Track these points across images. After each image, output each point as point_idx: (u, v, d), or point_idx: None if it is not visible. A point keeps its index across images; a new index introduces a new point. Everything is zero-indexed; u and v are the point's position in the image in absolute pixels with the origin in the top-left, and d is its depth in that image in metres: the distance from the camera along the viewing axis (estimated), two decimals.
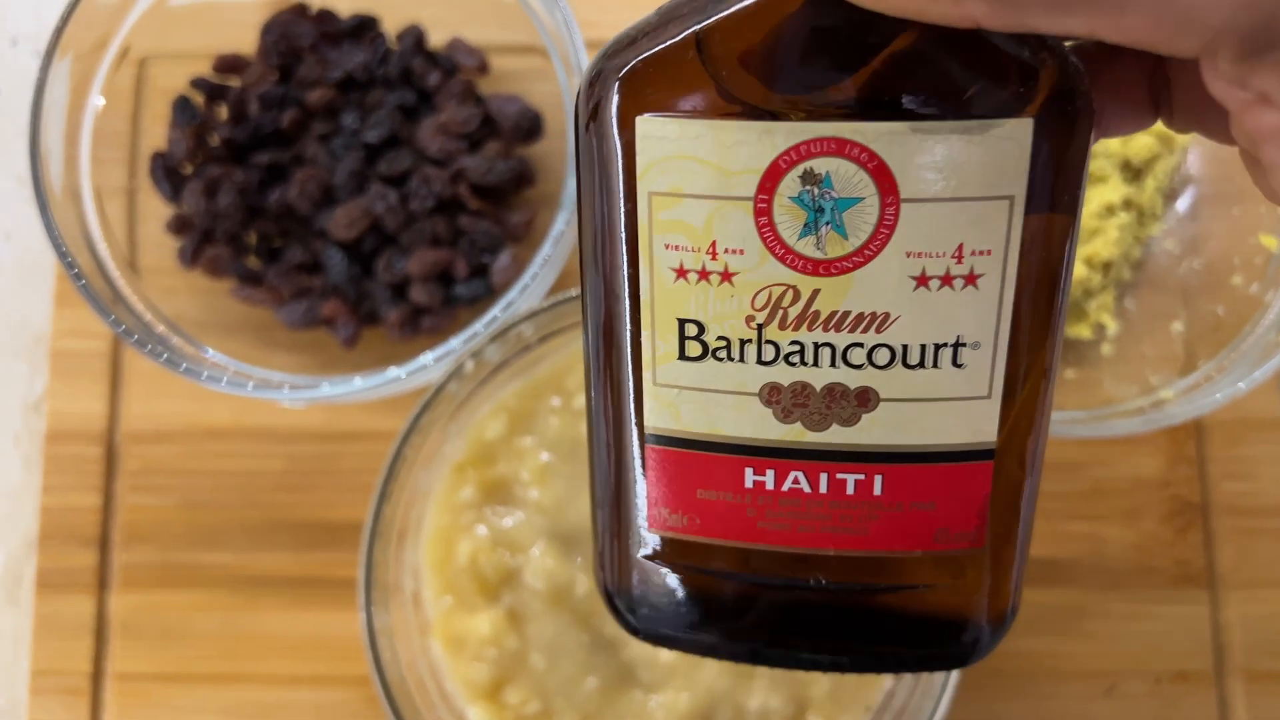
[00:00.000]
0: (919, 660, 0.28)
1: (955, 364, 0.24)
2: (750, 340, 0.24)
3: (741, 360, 0.25)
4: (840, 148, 0.22)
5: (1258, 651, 0.49)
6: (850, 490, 0.25)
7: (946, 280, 0.23)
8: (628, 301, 0.25)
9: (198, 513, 0.52)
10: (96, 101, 0.49)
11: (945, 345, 0.24)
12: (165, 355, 0.45)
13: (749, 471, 0.26)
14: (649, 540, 0.27)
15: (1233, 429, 0.51)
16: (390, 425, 0.51)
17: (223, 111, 0.52)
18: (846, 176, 0.23)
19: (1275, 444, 0.51)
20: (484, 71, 0.53)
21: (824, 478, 0.25)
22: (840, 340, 0.24)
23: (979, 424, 0.25)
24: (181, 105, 0.51)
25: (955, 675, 0.41)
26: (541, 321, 0.44)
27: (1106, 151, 0.49)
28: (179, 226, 0.51)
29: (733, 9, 0.23)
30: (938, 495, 0.25)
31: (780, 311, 0.24)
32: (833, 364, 0.24)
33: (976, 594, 0.27)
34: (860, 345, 0.24)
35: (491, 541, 0.44)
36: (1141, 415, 0.45)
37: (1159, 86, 0.25)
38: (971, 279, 0.23)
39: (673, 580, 0.28)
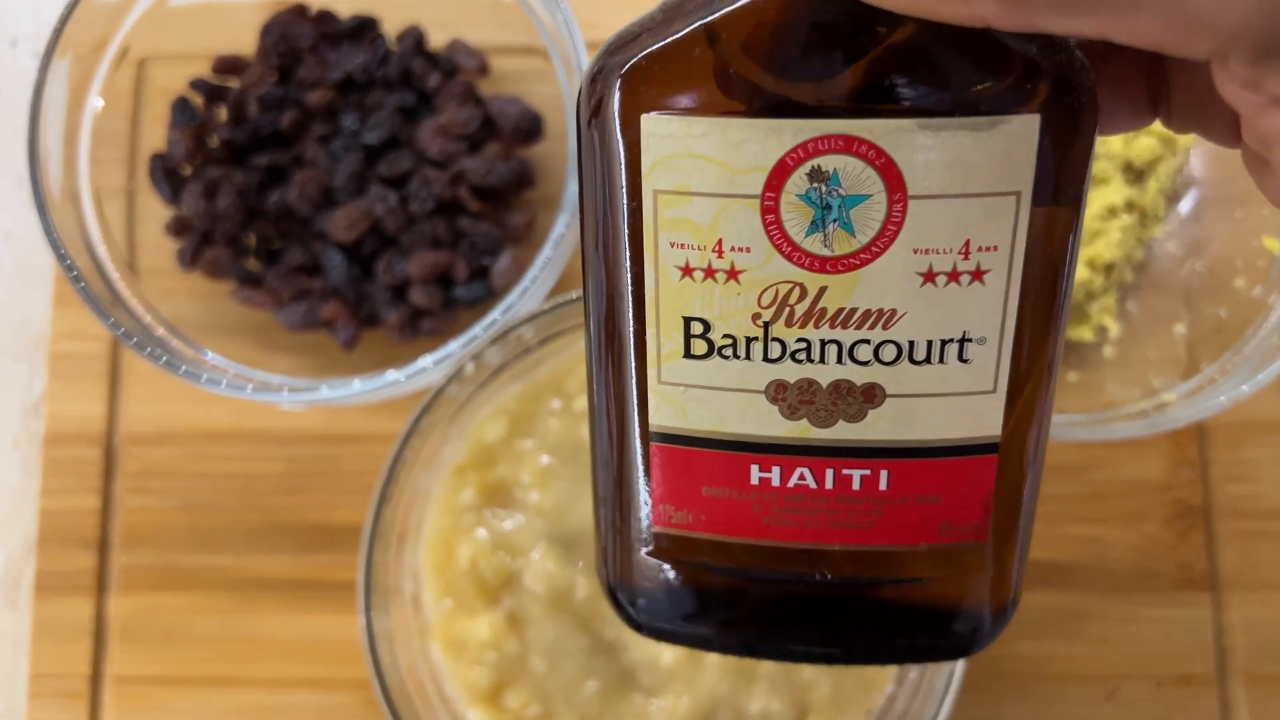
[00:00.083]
0: (922, 651, 0.28)
1: (961, 359, 0.24)
2: (756, 338, 0.24)
3: (747, 358, 0.25)
4: (848, 145, 0.22)
5: (1260, 655, 0.49)
6: (856, 486, 0.26)
7: (953, 276, 0.23)
8: (632, 300, 0.25)
9: (197, 515, 0.51)
10: (95, 102, 0.49)
11: (951, 341, 0.24)
12: (165, 358, 0.45)
13: (755, 468, 0.26)
14: (653, 537, 0.27)
15: (1235, 431, 0.51)
16: (390, 427, 0.51)
17: (222, 113, 0.52)
18: (854, 173, 0.22)
19: (1278, 447, 0.51)
20: (484, 73, 0.53)
21: (830, 474, 0.25)
22: (847, 337, 0.24)
23: (984, 418, 0.25)
24: (181, 106, 0.51)
25: (957, 679, 0.41)
26: (542, 324, 0.43)
27: (1109, 153, 0.49)
28: (178, 228, 0.51)
29: (737, 4, 0.22)
30: (942, 489, 0.26)
31: (787, 309, 0.24)
32: (839, 361, 0.24)
33: (979, 585, 0.27)
34: (867, 342, 0.24)
35: (492, 544, 0.44)
36: (1144, 418, 0.45)
37: (1158, 85, 0.24)
38: (978, 275, 0.23)
39: (676, 576, 0.28)
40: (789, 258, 0.23)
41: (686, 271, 0.24)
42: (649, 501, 0.27)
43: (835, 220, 0.23)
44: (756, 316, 0.24)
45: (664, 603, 0.28)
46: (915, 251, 0.23)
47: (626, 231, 0.24)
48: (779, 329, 0.24)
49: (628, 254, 0.25)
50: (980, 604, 0.27)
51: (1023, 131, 0.22)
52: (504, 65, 0.53)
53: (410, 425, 0.43)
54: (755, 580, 0.27)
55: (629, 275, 0.25)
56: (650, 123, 0.23)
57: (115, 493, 0.52)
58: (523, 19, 0.50)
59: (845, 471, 0.25)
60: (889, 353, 0.24)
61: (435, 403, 0.43)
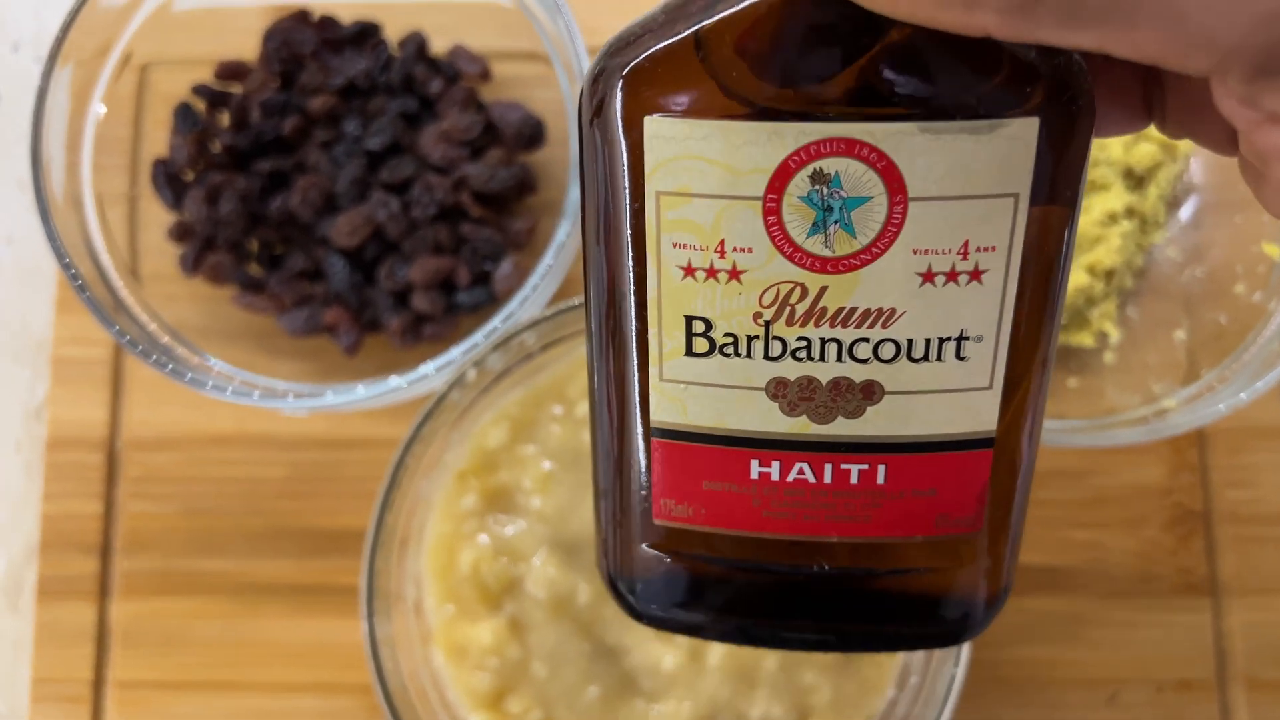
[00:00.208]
0: (918, 638, 0.29)
1: (958, 357, 0.25)
2: (757, 336, 0.25)
3: (748, 356, 0.25)
4: (850, 148, 0.22)
5: (1260, 660, 0.49)
6: (854, 480, 0.26)
7: (952, 276, 0.24)
8: (634, 298, 0.25)
9: (199, 520, 0.52)
10: (98, 108, 0.49)
11: (949, 339, 0.24)
12: (170, 365, 0.45)
13: (755, 463, 0.26)
14: (654, 530, 0.28)
15: (1235, 436, 0.51)
16: (391, 432, 0.51)
17: (224, 118, 0.52)
18: (855, 176, 0.23)
19: (1278, 452, 0.51)
20: (486, 78, 0.53)
21: (828, 468, 0.26)
22: (847, 336, 0.24)
23: (980, 414, 0.25)
24: (183, 112, 0.51)
25: (958, 684, 0.41)
26: (544, 330, 0.44)
27: (1109, 159, 0.49)
28: (180, 233, 0.51)
29: (739, 6, 0.23)
30: (939, 483, 0.26)
31: (788, 308, 0.24)
32: (839, 359, 0.25)
33: (973, 575, 0.28)
34: (866, 340, 0.24)
35: (493, 550, 0.44)
36: (1144, 425, 0.45)
37: (1153, 91, 0.25)
38: (976, 274, 0.24)
39: (676, 567, 0.28)
40: (790, 258, 0.24)
41: (688, 271, 0.24)
42: (650, 495, 0.27)
43: (836, 222, 0.23)
44: (758, 315, 0.24)
45: (663, 592, 0.29)
46: (915, 252, 0.23)
47: (629, 232, 0.25)
48: (780, 328, 0.25)
49: (630, 253, 0.25)
50: (974, 592, 0.28)
51: (1022, 135, 0.22)
52: (506, 71, 0.53)
53: (413, 431, 0.43)
54: (753, 571, 0.28)
55: (631, 274, 0.25)
56: (653, 125, 0.23)
57: (117, 497, 0.52)
58: (524, 25, 0.50)
59: (844, 466, 0.26)
60: (888, 351, 0.25)
61: (437, 408, 0.43)
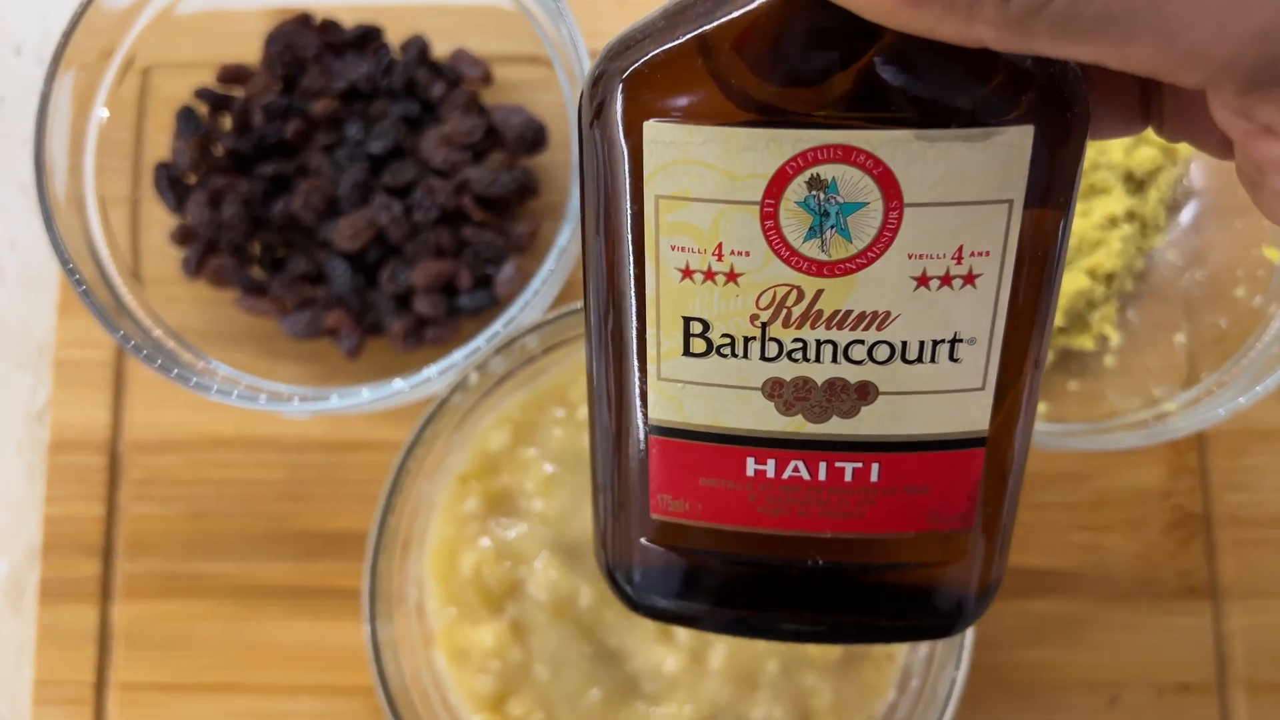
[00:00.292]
0: (909, 630, 0.30)
1: (952, 358, 0.25)
2: (754, 338, 0.25)
3: (745, 356, 0.25)
4: (847, 155, 0.23)
5: (1260, 662, 0.49)
6: (848, 478, 0.26)
7: (946, 280, 0.24)
8: (633, 299, 0.26)
9: (201, 522, 0.52)
10: (101, 112, 0.49)
11: (943, 341, 0.25)
12: (176, 370, 0.45)
13: (750, 461, 0.27)
14: (651, 524, 0.28)
15: (1235, 440, 0.51)
16: (392, 435, 0.51)
17: (227, 122, 0.52)
18: (852, 182, 0.23)
19: (1278, 455, 0.51)
20: (488, 82, 0.53)
21: (823, 466, 0.26)
22: (842, 338, 0.25)
23: (972, 414, 0.26)
24: (186, 115, 0.52)
25: (958, 686, 0.41)
26: (545, 334, 0.44)
27: (1110, 163, 0.49)
28: (183, 237, 0.51)
29: (739, 11, 0.23)
30: (932, 480, 0.27)
31: (784, 310, 0.25)
32: (834, 360, 0.25)
33: (964, 570, 0.28)
34: (861, 342, 0.25)
35: (495, 553, 0.45)
36: (1144, 428, 0.45)
37: (1151, 94, 0.25)
38: (970, 279, 0.24)
39: (673, 559, 0.29)
40: (787, 262, 0.24)
41: (687, 273, 0.25)
42: (647, 490, 0.28)
43: (833, 226, 0.24)
44: (754, 317, 0.25)
45: (660, 583, 0.29)
46: (910, 257, 0.24)
47: (629, 234, 0.25)
48: (776, 329, 0.25)
49: (629, 255, 0.25)
50: (965, 586, 0.28)
51: (1017, 142, 0.23)
52: (508, 75, 0.53)
53: (415, 434, 0.43)
54: (749, 564, 0.28)
55: (630, 275, 0.25)
56: (652, 130, 0.23)
57: (119, 500, 0.52)
58: (526, 29, 0.50)
59: (838, 464, 0.26)
60: (882, 352, 0.25)
61: (440, 412, 0.43)
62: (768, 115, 0.23)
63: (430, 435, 0.43)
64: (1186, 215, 0.50)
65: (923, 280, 0.24)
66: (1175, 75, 0.19)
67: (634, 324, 0.26)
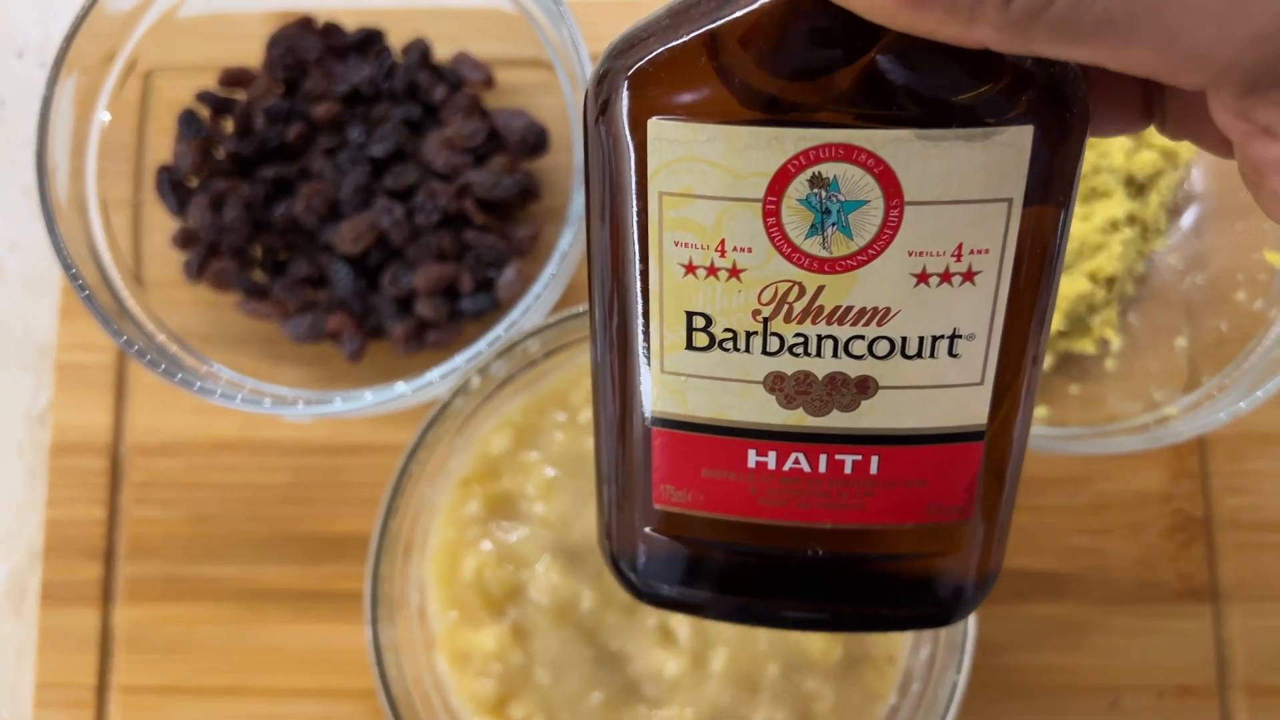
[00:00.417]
0: (908, 619, 0.30)
1: (951, 354, 0.25)
2: (756, 332, 0.25)
3: (747, 351, 0.26)
4: (848, 153, 0.23)
5: (1260, 666, 0.49)
6: (848, 470, 0.27)
7: (945, 277, 0.24)
8: (637, 294, 0.26)
9: (202, 525, 0.52)
10: (103, 115, 0.49)
11: (942, 337, 0.25)
12: (180, 375, 0.45)
13: (752, 453, 0.27)
14: (654, 513, 0.29)
15: (1236, 443, 0.51)
16: (394, 438, 0.51)
17: (228, 125, 0.52)
18: (853, 180, 0.23)
19: (1278, 459, 0.51)
20: (490, 85, 0.53)
21: (823, 458, 0.27)
22: (842, 333, 0.25)
23: (971, 408, 0.26)
24: (187, 119, 0.52)
25: (960, 690, 0.41)
26: (547, 337, 0.44)
27: (1111, 166, 0.49)
28: (185, 240, 0.51)
29: (742, 11, 0.23)
30: (931, 473, 0.27)
31: (785, 306, 0.25)
32: (835, 355, 0.25)
33: (962, 561, 0.29)
34: (861, 338, 0.25)
35: (497, 556, 0.45)
36: (1145, 432, 0.45)
37: (1153, 93, 0.25)
38: (969, 276, 0.24)
39: (676, 548, 0.29)
40: (789, 258, 0.24)
41: (690, 269, 0.25)
42: (650, 481, 0.28)
43: (834, 224, 0.24)
44: (756, 313, 0.25)
45: (663, 571, 0.30)
46: (910, 254, 0.24)
47: (633, 230, 0.25)
48: (778, 324, 0.25)
49: (634, 251, 0.25)
50: (963, 577, 0.29)
51: (1016, 142, 0.23)
52: (509, 78, 0.53)
53: (417, 438, 0.43)
54: (750, 554, 0.29)
55: (635, 271, 0.26)
56: (656, 128, 0.24)
57: (121, 503, 0.52)
58: (528, 32, 0.50)
59: (838, 456, 0.27)
60: (882, 348, 0.25)
61: (441, 415, 0.43)
62: (771, 113, 0.23)
63: (432, 439, 0.43)
64: (1187, 219, 0.50)
65: (922, 277, 0.24)
66: (1175, 78, 0.20)
67: (638, 318, 0.26)
